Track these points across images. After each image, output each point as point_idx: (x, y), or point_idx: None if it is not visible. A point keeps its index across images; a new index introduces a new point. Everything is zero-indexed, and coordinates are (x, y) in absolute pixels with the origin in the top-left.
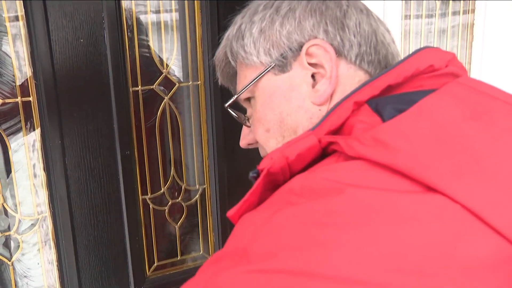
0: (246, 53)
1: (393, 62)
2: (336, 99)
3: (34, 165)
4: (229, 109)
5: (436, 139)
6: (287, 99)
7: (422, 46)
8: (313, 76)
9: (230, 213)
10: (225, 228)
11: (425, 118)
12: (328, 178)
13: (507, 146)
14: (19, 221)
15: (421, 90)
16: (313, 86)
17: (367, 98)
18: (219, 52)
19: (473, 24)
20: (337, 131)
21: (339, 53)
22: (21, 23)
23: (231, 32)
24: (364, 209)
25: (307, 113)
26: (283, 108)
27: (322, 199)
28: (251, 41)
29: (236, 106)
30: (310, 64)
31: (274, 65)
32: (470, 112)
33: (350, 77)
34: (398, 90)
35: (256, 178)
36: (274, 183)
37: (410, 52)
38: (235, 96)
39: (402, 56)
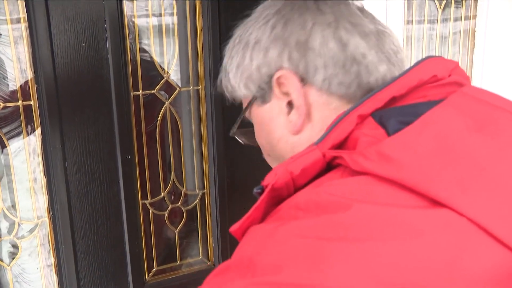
0: (232, 87)
1: (371, 78)
2: (317, 126)
3: (34, 169)
4: (235, 137)
5: (441, 152)
6: (270, 130)
7: (423, 52)
8: (291, 104)
9: (233, 228)
10: (225, 233)
11: (430, 131)
12: (334, 193)
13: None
14: (18, 225)
15: (424, 101)
16: (288, 115)
17: (371, 110)
18: (219, 85)
19: (475, 30)
20: (341, 144)
21: (305, 80)
22: (23, 26)
23: (222, 65)
24: (370, 224)
25: (288, 144)
26: (269, 138)
27: (329, 214)
28: (232, 76)
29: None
30: (284, 93)
31: (256, 97)
32: (474, 124)
33: (325, 104)
34: (402, 101)
35: (260, 193)
36: (278, 198)
37: (412, 60)
38: (235, 125)
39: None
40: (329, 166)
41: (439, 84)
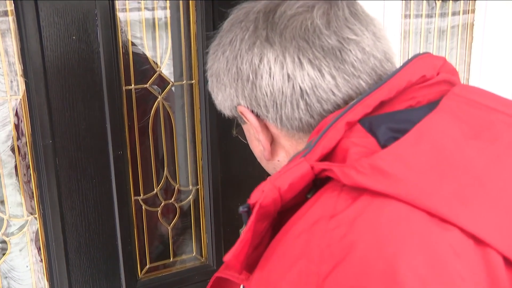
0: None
1: (326, 106)
2: (291, 150)
3: (23, 166)
4: (239, 136)
5: (438, 164)
6: (252, 148)
7: (421, 46)
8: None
9: (228, 257)
10: (218, 229)
11: (425, 142)
12: (342, 235)
13: (511, 163)
14: (7, 222)
15: (415, 107)
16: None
17: (360, 117)
18: None
19: (473, 24)
20: (328, 155)
21: (261, 116)
22: (11, 18)
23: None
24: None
25: (269, 164)
26: (255, 154)
27: (342, 263)
28: (214, 98)
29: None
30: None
31: (236, 118)
32: (470, 130)
33: (287, 135)
34: (390, 104)
35: (246, 212)
36: (265, 215)
37: (411, 54)
38: (234, 126)
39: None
40: (317, 178)
41: (427, 84)
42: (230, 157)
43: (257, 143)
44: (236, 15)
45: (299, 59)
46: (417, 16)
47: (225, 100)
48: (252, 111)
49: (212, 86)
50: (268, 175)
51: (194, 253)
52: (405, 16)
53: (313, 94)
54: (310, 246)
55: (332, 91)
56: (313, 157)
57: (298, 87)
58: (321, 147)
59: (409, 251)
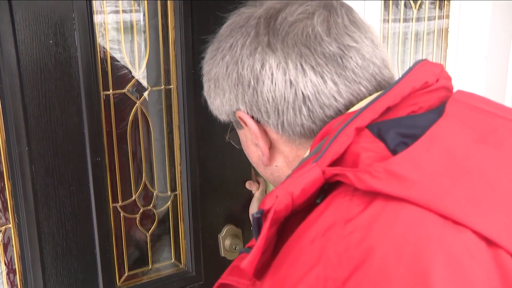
0: (214, 112)
1: (329, 112)
2: (290, 156)
3: None
4: (231, 142)
5: (450, 168)
6: (248, 154)
7: (399, 50)
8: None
9: (245, 264)
10: (197, 235)
11: (437, 147)
12: (359, 240)
13: None
14: None
15: (417, 113)
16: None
17: (368, 122)
18: None
19: (448, 30)
20: (339, 159)
21: (261, 122)
22: None
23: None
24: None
25: (266, 170)
26: (250, 160)
27: (361, 267)
28: (210, 103)
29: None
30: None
31: (232, 122)
32: (477, 135)
33: (288, 141)
34: (395, 110)
35: (259, 218)
36: (277, 220)
37: (399, 63)
38: (228, 132)
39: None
40: (326, 182)
41: (428, 90)
42: (208, 162)
43: (255, 149)
44: (236, 20)
45: (301, 65)
46: (395, 21)
47: (223, 105)
48: (252, 117)
49: (209, 91)
50: (247, 179)
51: (173, 259)
52: (384, 21)
53: (316, 100)
54: (327, 251)
55: (334, 97)
56: (324, 163)
57: (301, 93)
58: (332, 152)
59: (429, 254)
